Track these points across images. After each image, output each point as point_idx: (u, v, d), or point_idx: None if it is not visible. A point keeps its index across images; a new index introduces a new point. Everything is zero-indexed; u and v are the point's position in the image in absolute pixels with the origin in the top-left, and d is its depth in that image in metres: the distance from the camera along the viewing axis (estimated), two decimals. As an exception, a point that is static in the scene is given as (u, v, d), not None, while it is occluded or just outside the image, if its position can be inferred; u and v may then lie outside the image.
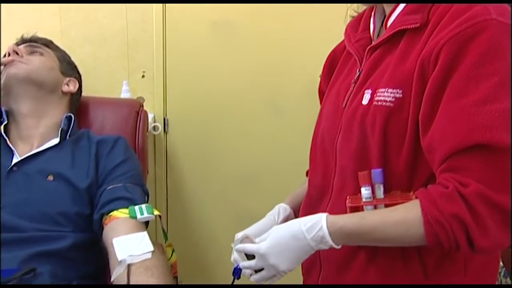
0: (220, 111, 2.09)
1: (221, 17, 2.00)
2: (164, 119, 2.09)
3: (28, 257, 1.20)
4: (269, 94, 2.06)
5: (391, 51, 0.97)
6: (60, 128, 1.43)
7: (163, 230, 1.42)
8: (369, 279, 1.00)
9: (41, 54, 1.49)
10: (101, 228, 1.29)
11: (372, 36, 1.06)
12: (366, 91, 0.98)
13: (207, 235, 2.20)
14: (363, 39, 1.07)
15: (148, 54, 2.03)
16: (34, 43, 1.51)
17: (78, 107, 1.61)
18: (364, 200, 0.95)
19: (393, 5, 0.99)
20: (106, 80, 2.04)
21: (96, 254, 1.34)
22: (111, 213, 1.28)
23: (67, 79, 1.53)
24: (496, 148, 0.80)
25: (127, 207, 1.28)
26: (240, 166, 2.13)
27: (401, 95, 0.91)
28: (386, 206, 0.93)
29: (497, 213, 0.80)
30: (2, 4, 1.88)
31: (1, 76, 1.42)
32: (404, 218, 0.87)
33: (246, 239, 1.06)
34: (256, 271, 1.02)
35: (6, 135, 1.40)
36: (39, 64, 1.46)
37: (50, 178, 1.33)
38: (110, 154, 1.42)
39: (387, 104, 0.92)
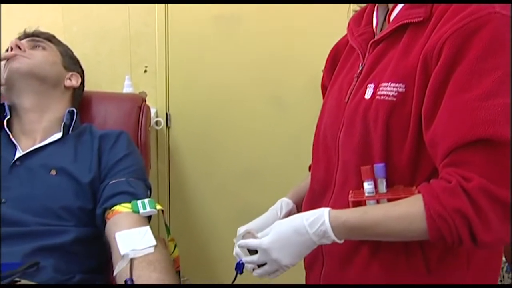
0: (223, 106, 2.09)
1: (223, 11, 2.00)
2: (167, 114, 2.09)
3: (31, 251, 1.20)
4: (272, 88, 2.06)
5: (394, 45, 0.97)
6: (63, 123, 1.43)
7: (166, 224, 1.42)
8: (371, 274, 1.00)
9: (44, 48, 1.49)
10: (104, 222, 1.29)
11: (375, 30, 1.06)
12: (369, 85, 0.97)
13: (209, 230, 2.20)
14: (366, 33, 1.07)
15: (150, 49, 2.03)
16: (36, 37, 1.51)
17: (81, 101, 1.60)
18: (366, 194, 0.95)
19: (396, -1, 0.99)
20: (108, 75, 2.04)
21: (99, 248, 1.34)
22: (114, 208, 1.28)
23: (70, 73, 1.53)
24: (499, 142, 0.80)
25: (130, 202, 1.28)
26: (243, 161, 2.13)
27: (404, 90, 0.91)
28: (389, 200, 0.93)
29: (500, 208, 0.80)
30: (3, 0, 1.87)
31: (4, 70, 1.42)
32: (406, 212, 0.87)
33: (248, 234, 1.06)
34: (259, 266, 1.02)
35: (9, 130, 1.40)
36: (41, 58, 1.46)
37: (53, 172, 1.34)
38: (113, 149, 1.42)
39: (390, 98, 0.92)
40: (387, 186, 0.94)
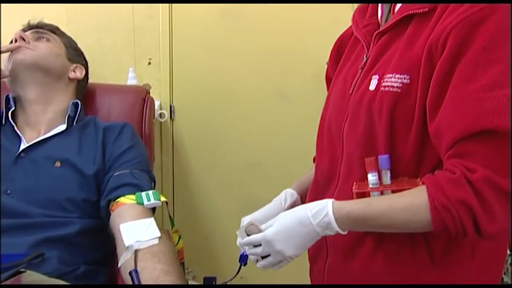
0: (227, 98, 2.09)
1: (228, 4, 1.99)
2: (171, 106, 2.09)
3: (36, 243, 1.21)
4: (276, 81, 2.06)
5: (398, 36, 0.97)
6: (67, 115, 1.43)
7: (170, 216, 1.42)
8: (376, 265, 1.00)
9: (48, 40, 1.49)
10: (108, 214, 1.29)
11: (380, 21, 1.05)
12: (373, 76, 0.97)
13: (213, 222, 2.21)
14: (371, 24, 1.06)
15: (154, 41, 2.03)
16: (40, 29, 1.51)
17: (85, 93, 1.60)
18: (370, 186, 0.95)
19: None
20: (112, 67, 2.04)
21: (103, 240, 1.34)
22: (118, 199, 1.28)
23: (74, 65, 1.53)
24: (504, 133, 0.79)
25: (134, 193, 1.28)
26: (247, 153, 2.13)
27: (408, 81, 0.90)
28: (393, 192, 0.93)
29: (504, 199, 0.80)
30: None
31: (8, 62, 1.42)
32: (410, 203, 0.87)
33: (252, 225, 1.06)
34: (263, 257, 1.02)
35: (14, 122, 1.40)
36: (45, 50, 1.45)
37: (58, 164, 1.34)
38: (117, 141, 1.42)
39: (394, 89, 0.92)
40: (392, 177, 0.94)
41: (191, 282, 1.20)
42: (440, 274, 0.95)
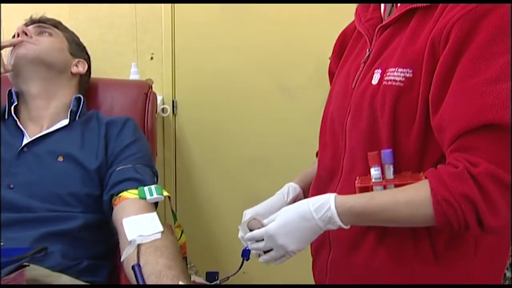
0: (229, 93, 2.08)
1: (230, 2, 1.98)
2: (173, 101, 2.08)
3: (39, 237, 1.21)
4: (279, 75, 2.05)
5: (401, 30, 0.96)
6: (70, 109, 1.44)
7: (172, 211, 1.42)
8: (378, 260, 1.00)
9: (50, 34, 1.49)
10: (111, 209, 1.29)
11: (382, 15, 1.05)
12: (376, 71, 0.97)
13: (215, 216, 2.21)
14: (374, 18, 1.06)
15: (157, 36, 2.03)
16: (43, 24, 1.51)
17: (87, 88, 1.60)
18: (373, 180, 0.95)
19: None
20: (114, 62, 2.03)
21: (106, 235, 1.35)
22: (121, 194, 1.28)
23: (76, 60, 1.53)
24: (507, 127, 0.79)
25: (137, 188, 1.28)
26: (249, 148, 2.13)
27: (411, 75, 0.90)
28: (396, 186, 0.93)
29: (507, 193, 0.79)
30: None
31: (10, 56, 1.42)
32: (413, 198, 0.86)
33: (254, 220, 1.06)
34: (265, 252, 1.02)
35: (16, 116, 1.41)
36: (48, 44, 1.45)
37: (60, 159, 1.34)
38: (120, 135, 1.42)
39: (397, 84, 0.91)
40: (394, 172, 0.94)
41: (193, 277, 1.20)
42: (443, 268, 0.95)
